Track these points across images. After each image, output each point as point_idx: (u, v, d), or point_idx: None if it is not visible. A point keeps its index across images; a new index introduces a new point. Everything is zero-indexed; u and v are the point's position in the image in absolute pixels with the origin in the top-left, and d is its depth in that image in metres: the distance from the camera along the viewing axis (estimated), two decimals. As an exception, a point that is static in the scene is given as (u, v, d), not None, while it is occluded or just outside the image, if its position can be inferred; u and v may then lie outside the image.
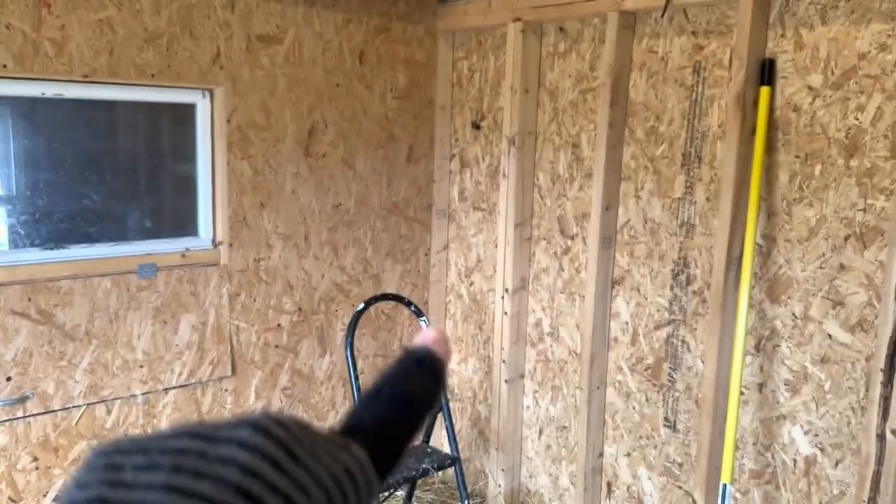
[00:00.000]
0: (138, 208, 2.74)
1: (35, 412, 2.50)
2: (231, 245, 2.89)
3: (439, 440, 3.66)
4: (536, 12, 2.92)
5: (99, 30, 2.46)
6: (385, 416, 0.82)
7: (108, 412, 2.66)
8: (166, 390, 2.79)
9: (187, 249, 2.81)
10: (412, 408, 0.85)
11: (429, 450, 2.91)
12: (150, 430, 2.76)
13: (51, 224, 2.55)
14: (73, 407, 2.58)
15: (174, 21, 2.61)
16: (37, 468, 2.54)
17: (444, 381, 0.93)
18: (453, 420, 3.01)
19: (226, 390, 2.96)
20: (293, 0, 2.90)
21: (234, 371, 2.97)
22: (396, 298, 2.89)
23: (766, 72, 2.31)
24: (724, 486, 2.33)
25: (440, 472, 3.10)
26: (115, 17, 2.49)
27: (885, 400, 2.06)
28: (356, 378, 2.60)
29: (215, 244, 2.89)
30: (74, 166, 2.57)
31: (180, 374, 2.81)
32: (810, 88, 2.25)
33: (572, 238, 3.04)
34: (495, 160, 3.31)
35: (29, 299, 2.43)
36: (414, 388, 0.87)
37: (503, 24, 3.09)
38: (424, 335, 0.94)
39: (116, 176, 2.67)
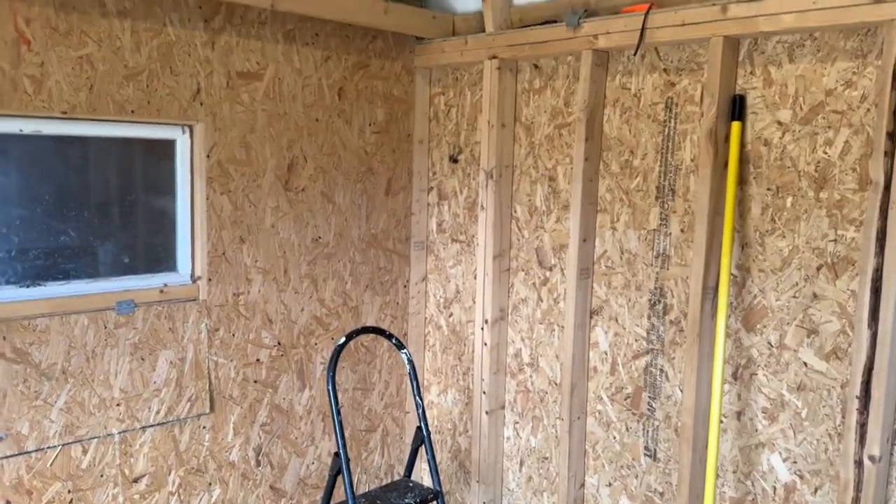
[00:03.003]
0: (116, 244, 2.72)
1: (8, 453, 2.44)
2: (210, 280, 2.87)
3: (419, 474, 3.64)
4: (512, 50, 2.99)
5: (79, 66, 2.46)
6: None
7: (84, 452, 2.61)
8: (144, 428, 2.75)
9: (166, 285, 2.79)
10: None
11: (411, 484, 2.89)
12: (126, 471, 2.71)
13: (27, 261, 2.51)
14: (48, 448, 2.52)
15: (154, 58, 2.62)
16: (9, 512, 2.47)
17: None
18: (434, 453, 2.99)
19: (204, 427, 2.92)
20: (273, 37, 2.93)
21: (212, 407, 2.93)
22: (377, 331, 2.89)
23: (736, 107, 2.39)
24: (707, 514, 2.35)
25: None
26: (95, 54, 2.49)
27: (862, 426, 2.11)
28: (338, 413, 2.59)
29: (194, 279, 2.87)
30: (52, 202, 2.55)
31: (158, 412, 2.77)
32: (780, 123, 2.33)
33: (550, 269, 3.07)
34: (473, 193, 3.35)
35: (3, 338, 2.39)
36: None
37: (479, 62, 3.15)
38: None
39: (94, 212, 2.65)
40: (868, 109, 2.14)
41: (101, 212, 2.67)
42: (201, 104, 2.76)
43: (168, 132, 2.76)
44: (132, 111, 2.59)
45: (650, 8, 2.49)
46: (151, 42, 2.61)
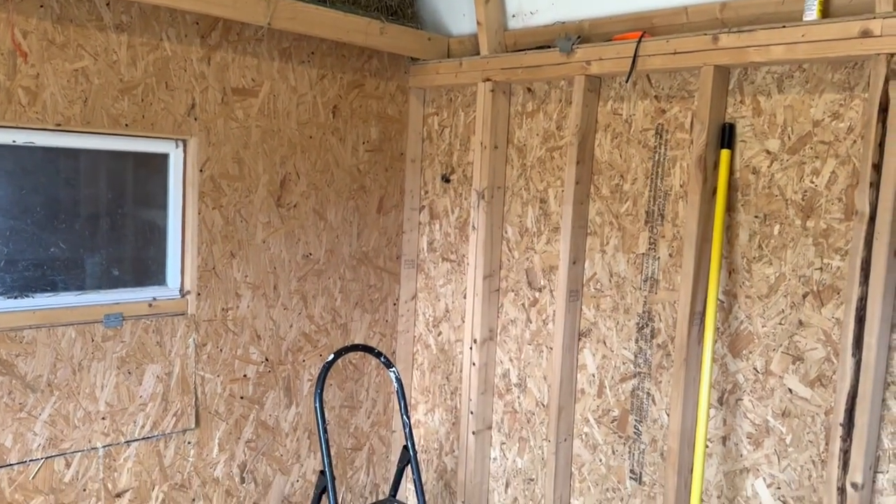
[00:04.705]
0: (106, 257, 2.71)
1: (-10, 466, 2.42)
2: (199, 294, 2.87)
3: (404, 493, 3.63)
4: (506, 73, 3.02)
5: (74, 79, 2.47)
6: None
7: (67, 466, 2.58)
8: (128, 443, 2.73)
9: (155, 299, 2.78)
10: None
11: (396, 503, 2.88)
12: (109, 485, 2.69)
13: (16, 272, 2.51)
14: (31, 461, 2.50)
15: (150, 72, 2.64)
16: (-11, 525, 2.45)
17: None
18: (420, 472, 2.99)
19: (189, 443, 2.90)
20: (269, 55, 2.95)
21: (197, 423, 2.92)
22: (367, 349, 2.89)
23: (726, 135, 2.43)
24: (691, 539, 2.35)
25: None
26: (90, 68, 2.50)
27: (845, 454, 2.13)
28: (325, 430, 2.58)
29: (183, 293, 2.87)
30: (43, 214, 2.54)
31: (143, 426, 2.75)
32: (768, 152, 2.36)
33: (540, 290, 3.09)
34: (465, 213, 3.37)
35: (-10, 349, 2.37)
36: None
37: (473, 84, 3.18)
38: None
39: (85, 224, 2.65)
40: (854, 141, 2.18)
41: (92, 224, 2.67)
42: (196, 119, 2.77)
43: (162, 146, 2.76)
44: (126, 125, 2.60)
45: (642, 36, 2.53)
46: (147, 56, 2.62)
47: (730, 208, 2.45)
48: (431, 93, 3.50)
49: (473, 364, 3.24)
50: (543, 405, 3.09)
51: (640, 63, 2.55)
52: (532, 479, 3.15)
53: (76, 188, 2.65)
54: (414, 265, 3.61)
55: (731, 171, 2.44)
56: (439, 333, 3.54)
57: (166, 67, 2.67)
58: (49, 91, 2.42)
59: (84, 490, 2.63)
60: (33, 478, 2.52)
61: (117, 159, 2.71)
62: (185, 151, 2.81)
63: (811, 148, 2.27)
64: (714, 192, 2.44)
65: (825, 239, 2.25)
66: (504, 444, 3.26)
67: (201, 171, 2.81)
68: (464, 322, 3.37)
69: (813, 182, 2.27)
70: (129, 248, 2.78)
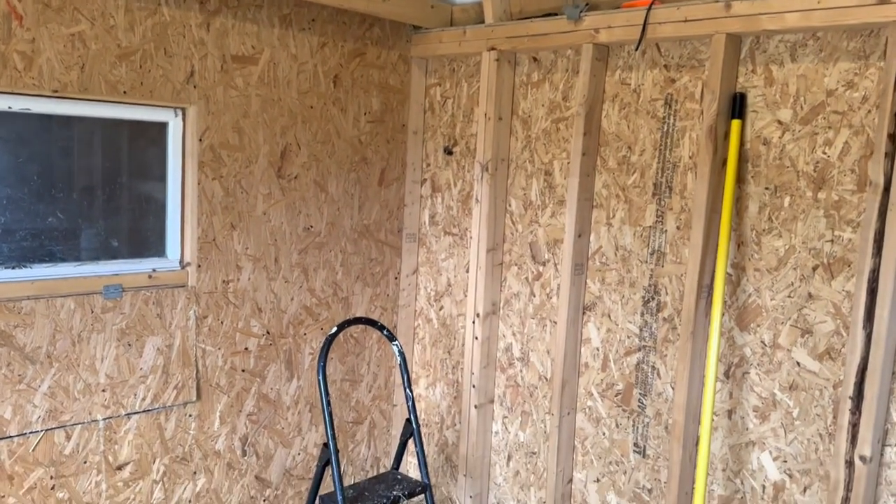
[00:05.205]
0: (104, 227, 2.67)
1: (-10, 438, 2.39)
2: (199, 266, 2.83)
3: (406, 467, 3.62)
4: (511, 42, 2.96)
5: (71, 44, 2.40)
6: None
7: (68, 438, 2.56)
8: (129, 415, 2.70)
9: (154, 270, 2.74)
10: None
11: (399, 476, 2.87)
12: (110, 458, 2.67)
13: (13, 242, 2.46)
14: (31, 433, 2.47)
15: (148, 38, 2.57)
16: (-11, 497, 2.42)
17: None
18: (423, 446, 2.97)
19: (190, 416, 2.87)
20: (269, 21, 2.89)
21: (198, 396, 2.89)
22: (369, 322, 2.86)
23: (737, 105, 2.38)
24: (697, 512, 2.35)
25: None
26: (87, 32, 2.44)
27: (854, 427, 2.12)
28: (328, 404, 2.56)
29: (183, 265, 2.82)
30: (40, 183, 2.49)
31: (144, 399, 2.73)
32: (780, 123, 2.32)
33: (544, 264, 3.06)
34: (467, 185, 3.33)
35: (-13, 320, 2.34)
36: None
37: (477, 53, 3.13)
38: None
39: (83, 194, 2.60)
40: (869, 111, 2.14)
41: (90, 194, 2.62)
42: (195, 87, 2.71)
43: (160, 115, 2.71)
44: (124, 92, 2.54)
45: (653, 3, 2.48)
46: (146, 21, 2.56)
47: (739, 180, 2.42)
48: (434, 63, 3.44)
49: (476, 338, 3.21)
50: (546, 379, 3.08)
51: (649, 31, 2.50)
52: (534, 453, 3.14)
53: (74, 157, 2.59)
54: (415, 239, 3.57)
55: (742, 142, 2.40)
56: (441, 308, 3.51)
57: (165, 33, 2.61)
58: (45, 56, 2.36)
59: (85, 462, 2.61)
60: (33, 450, 2.49)
61: (116, 128, 2.65)
62: (184, 120, 2.76)
63: (824, 118, 2.23)
64: (724, 163, 2.41)
65: (837, 211, 2.22)
66: (506, 417, 3.25)
67: (201, 140, 2.76)
68: (466, 296, 3.35)
69: (825, 153, 2.23)
70: (127, 219, 2.73)
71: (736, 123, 2.38)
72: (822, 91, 2.23)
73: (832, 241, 2.23)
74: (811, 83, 2.25)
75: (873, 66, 2.13)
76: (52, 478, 2.54)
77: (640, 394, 2.76)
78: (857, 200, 2.17)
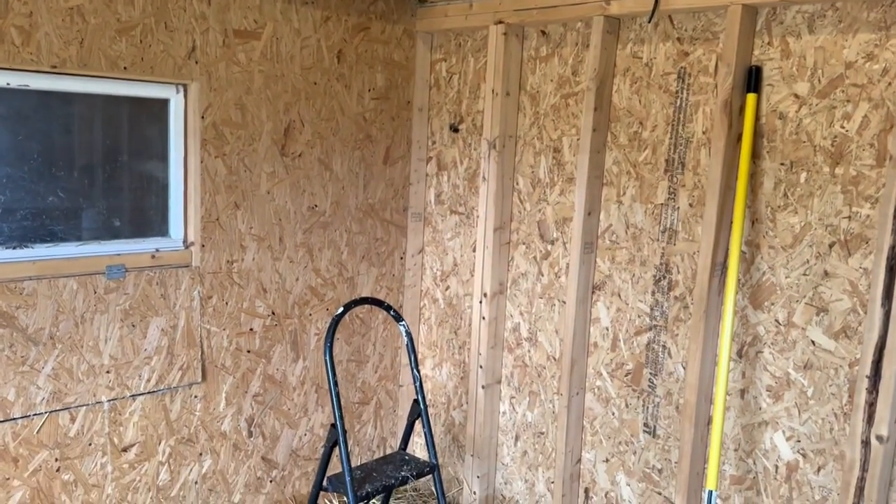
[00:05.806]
0: (107, 206, 2.62)
1: (-6, 420, 2.36)
2: (203, 246, 2.79)
3: (412, 447, 3.61)
4: (519, 15, 2.89)
5: (69, 18, 2.34)
6: None
7: (72, 420, 2.53)
8: (134, 397, 2.67)
9: (157, 250, 2.70)
10: None
11: (406, 457, 2.84)
12: (115, 439, 2.64)
13: (14, 222, 2.41)
14: (35, 415, 2.45)
15: (149, 12, 2.51)
16: (-6, 479, 2.40)
17: None
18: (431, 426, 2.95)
19: (195, 397, 2.85)
20: (272, -5, 2.82)
21: (204, 377, 2.86)
22: (376, 302, 2.83)
23: (752, 79, 2.33)
24: (710, 492, 2.32)
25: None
26: (86, 6, 2.37)
27: (870, 406, 2.08)
28: (335, 384, 2.52)
29: (187, 245, 2.78)
30: (40, 161, 2.44)
31: (148, 380, 2.70)
32: (796, 96, 2.27)
33: (552, 243, 3.01)
34: (474, 163, 3.28)
35: (-11, 301, 2.30)
36: None
37: (484, 27, 3.06)
38: None
39: (84, 172, 2.55)
40: (889, 83, 2.08)
41: (91, 172, 2.57)
42: (196, 62, 2.65)
43: (162, 91, 2.65)
44: (125, 67, 2.48)
45: (666, -26, 2.41)
46: (146, -5, 2.50)
47: (755, 155, 2.37)
48: (439, 37, 3.37)
49: (483, 318, 3.18)
50: (555, 359, 3.04)
51: (662, 2, 2.44)
52: (542, 433, 3.11)
53: (75, 135, 2.54)
54: (421, 218, 3.53)
55: (757, 117, 2.35)
56: (447, 287, 3.47)
57: (165, 7, 2.55)
58: (43, 31, 2.30)
59: (90, 444, 2.59)
60: (38, 432, 2.47)
61: (116, 105, 2.60)
62: (185, 97, 2.70)
63: (842, 91, 2.18)
64: (739, 138, 2.35)
65: (855, 186, 2.17)
66: (514, 398, 3.22)
67: (203, 117, 2.70)
68: (472, 276, 3.31)
69: (843, 127, 2.18)
70: (129, 198, 2.69)
71: (751, 97, 2.32)
72: (841, 63, 2.17)
73: (849, 217, 2.18)
74: (829, 55, 2.19)
75: (894, 36, 2.07)
76: (56, 460, 2.52)
77: (651, 373, 2.72)
78: (875, 175, 2.12)
